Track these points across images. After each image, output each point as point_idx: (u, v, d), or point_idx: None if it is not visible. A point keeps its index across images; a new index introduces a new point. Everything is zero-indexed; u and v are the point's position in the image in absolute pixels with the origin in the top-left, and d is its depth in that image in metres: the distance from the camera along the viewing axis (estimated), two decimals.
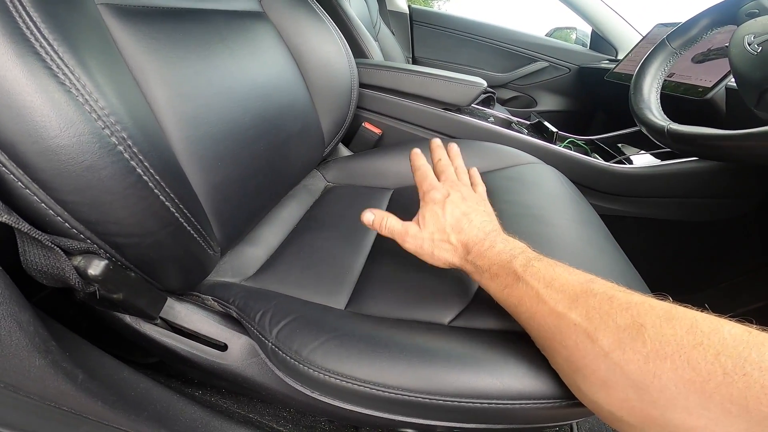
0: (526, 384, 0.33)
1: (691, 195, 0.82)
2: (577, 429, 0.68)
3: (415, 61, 1.79)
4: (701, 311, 0.26)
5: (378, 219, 0.44)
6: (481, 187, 0.49)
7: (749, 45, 0.50)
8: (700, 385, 0.22)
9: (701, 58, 0.85)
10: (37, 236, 0.27)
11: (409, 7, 1.78)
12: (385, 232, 0.43)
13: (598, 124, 1.52)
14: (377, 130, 0.90)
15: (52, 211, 0.29)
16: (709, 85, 0.79)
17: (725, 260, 0.88)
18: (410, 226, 0.42)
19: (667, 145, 0.57)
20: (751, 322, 0.24)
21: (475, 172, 0.51)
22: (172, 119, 0.40)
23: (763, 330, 0.23)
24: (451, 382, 0.33)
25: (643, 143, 0.90)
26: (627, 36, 1.44)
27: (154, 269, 0.38)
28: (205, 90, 0.45)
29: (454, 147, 0.52)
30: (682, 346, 0.24)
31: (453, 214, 0.41)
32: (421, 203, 0.44)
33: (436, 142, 0.50)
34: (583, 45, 1.69)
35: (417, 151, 0.49)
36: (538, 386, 0.32)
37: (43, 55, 0.26)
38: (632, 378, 0.25)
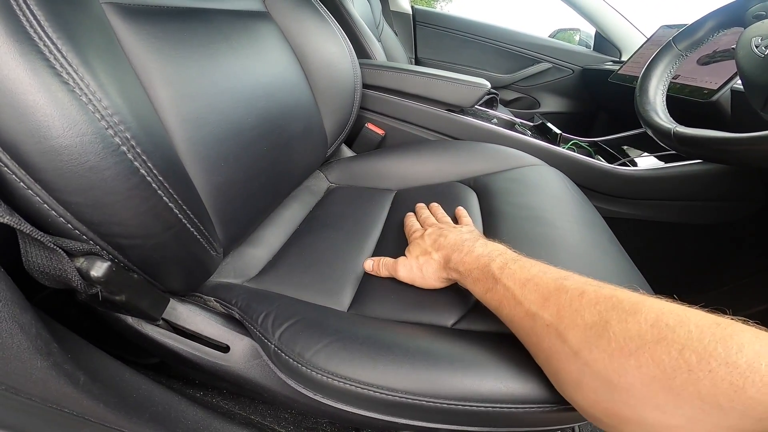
0: (529, 387, 0.32)
1: (695, 198, 0.82)
2: (579, 431, 0.67)
3: (418, 62, 1.78)
4: (672, 301, 0.25)
5: (376, 263, 0.49)
6: (467, 219, 0.55)
7: (756, 47, 0.50)
8: (666, 383, 0.22)
9: (707, 60, 0.85)
10: (39, 237, 0.27)
11: (412, 7, 1.78)
12: (383, 272, 0.48)
13: (602, 125, 1.51)
14: (380, 131, 0.89)
15: (55, 212, 0.28)
16: (715, 87, 0.79)
17: (729, 263, 0.88)
18: (400, 258, 0.48)
19: (673, 148, 0.57)
20: (724, 312, 0.23)
21: (460, 210, 0.58)
22: (175, 119, 0.40)
23: (734, 320, 0.22)
24: (454, 386, 0.33)
25: (646, 145, 0.90)
26: (631, 37, 1.44)
27: (157, 270, 0.37)
28: (208, 90, 0.45)
29: (434, 204, 0.61)
30: (646, 341, 0.23)
31: (431, 237, 0.47)
32: (408, 244, 0.50)
33: (419, 205, 0.61)
34: (587, 46, 1.69)
35: (410, 214, 0.59)
36: (541, 390, 0.32)
37: (47, 53, 0.26)
38: (601, 377, 0.25)
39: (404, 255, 0.48)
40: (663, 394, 0.22)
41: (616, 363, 0.24)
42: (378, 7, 1.55)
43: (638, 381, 0.23)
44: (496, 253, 0.38)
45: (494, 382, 0.33)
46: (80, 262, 0.30)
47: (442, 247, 0.44)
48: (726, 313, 0.23)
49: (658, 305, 0.25)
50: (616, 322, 0.25)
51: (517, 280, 0.33)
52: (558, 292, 0.29)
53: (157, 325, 0.43)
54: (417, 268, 0.45)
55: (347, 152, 0.90)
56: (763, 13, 0.54)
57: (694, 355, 0.21)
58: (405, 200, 0.67)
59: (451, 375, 0.33)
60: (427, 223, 0.54)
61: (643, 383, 0.23)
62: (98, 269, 0.30)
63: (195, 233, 0.38)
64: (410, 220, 0.57)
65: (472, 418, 0.34)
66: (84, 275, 0.30)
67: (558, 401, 0.32)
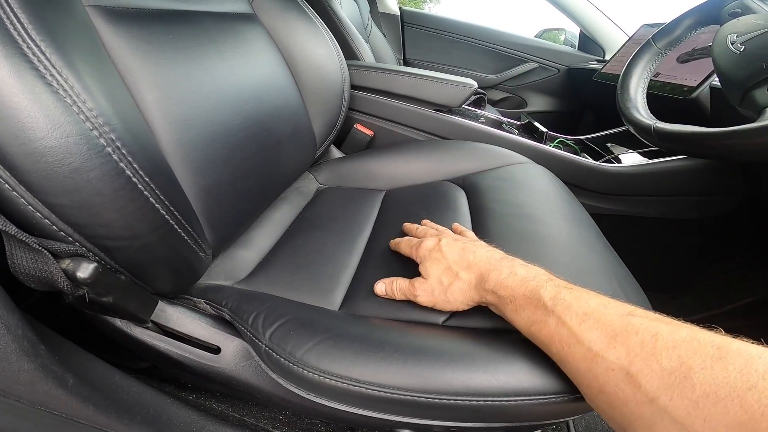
0: (521, 380, 0.33)
1: (678, 193, 0.83)
2: (573, 426, 0.68)
3: (406, 63, 1.79)
4: (756, 344, 0.25)
5: (388, 285, 0.44)
6: (469, 233, 0.50)
7: (732, 44, 0.51)
8: (752, 426, 0.21)
9: (686, 58, 0.87)
10: (24, 239, 0.27)
11: (400, 9, 1.79)
12: (398, 296, 0.43)
13: (587, 124, 1.53)
14: (369, 132, 0.90)
15: (40, 213, 0.28)
16: (694, 84, 0.81)
17: (715, 257, 0.90)
18: (416, 279, 0.42)
19: (654, 144, 0.58)
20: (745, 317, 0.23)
21: (458, 227, 0.52)
22: (161, 122, 0.40)
23: None
24: (446, 380, 0.33)
25: (631, 142, 0.92)
26: (614, 37, 1.46)
27: (145, 272, 0.37)
28: (195, 92, 0.45)
29: (425, 221, 0.55)
30: (735, 389, 0.22)
31: (453, 251, 0.40)
32: (419, 263, 0.43)
33: (407, 225, 0.54)
34: (572, 46, 1.71)
35: (402, 233, 0.53)
36: (533, 382, 0.33)
37: (30, 56, 0.26)
38: (680, 423, 0.24)
39: (419, 275, 0.42)
40: None
41: (700, 410, 0.23)
42: (366, 8, 1.56)
43: (722, 426, 0.22)
44: (543, 277, 0.33)
45: (485, 376, 0.33)
46: (66, 263, 0.30)
47: (472, 265, 0.38)
48: None
49: (745, 350, 0.24)
50: (699, 368, 0.24)
51: (575, 313, 0.29)
52: (626, 332, 0.27)
53: (147, 328, 0.43)
54: (440, 291, 0.39)
55: (336, 153, 0.90)
56: (739, 10, 0.55)
57: None
58: (395, 200, 0.68)
59: (441, 369, 0.33)
60: (429, 233, 0.48)
61: (728, 428, 0.22)
62: (84, 270, 0.30)
63: (183, 234, 0.38)
64: (405, 239, 0.49)
65: (465, 413, 0.34)
66: (70, 277, 0.30)
67: (550, 392, 0.32)
